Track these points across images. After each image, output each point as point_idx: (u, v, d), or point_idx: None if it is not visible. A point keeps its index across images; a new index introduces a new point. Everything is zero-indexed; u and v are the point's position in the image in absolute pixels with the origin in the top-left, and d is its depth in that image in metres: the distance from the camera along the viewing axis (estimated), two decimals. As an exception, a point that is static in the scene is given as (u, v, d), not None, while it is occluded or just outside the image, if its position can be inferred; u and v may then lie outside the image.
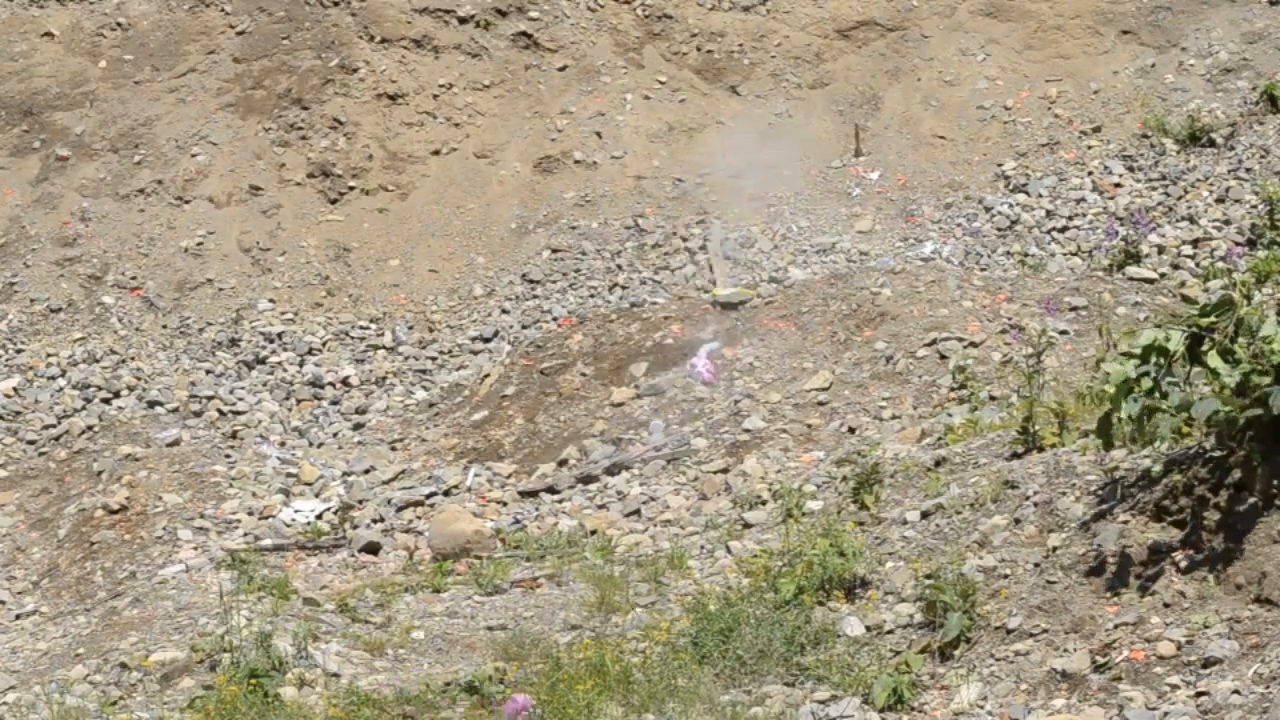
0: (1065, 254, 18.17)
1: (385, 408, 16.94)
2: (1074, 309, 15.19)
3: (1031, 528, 9.28)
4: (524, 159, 20.11)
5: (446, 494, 14.26)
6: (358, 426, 16.61)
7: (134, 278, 18.81)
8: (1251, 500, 8.21)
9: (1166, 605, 8.11)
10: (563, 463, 14.52)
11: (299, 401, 17.18)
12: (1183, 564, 8.25)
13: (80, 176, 19.80)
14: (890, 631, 9.14)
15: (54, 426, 16.62)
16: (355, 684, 9.74)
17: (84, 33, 21.11)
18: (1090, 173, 19.29)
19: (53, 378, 17.41)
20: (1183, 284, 16.61)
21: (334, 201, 19.69)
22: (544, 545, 12.46)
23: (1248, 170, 18.79)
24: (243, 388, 17.27)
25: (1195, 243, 17.87)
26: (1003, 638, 8.46)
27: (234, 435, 16.25)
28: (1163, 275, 17.25)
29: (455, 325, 18.26)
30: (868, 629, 9.22)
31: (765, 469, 13.33)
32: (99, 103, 20.48)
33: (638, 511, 13.17)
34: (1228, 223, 18.08)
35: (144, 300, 18.56)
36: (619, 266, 18.69)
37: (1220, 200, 18.45)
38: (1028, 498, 9.62)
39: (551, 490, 14.04)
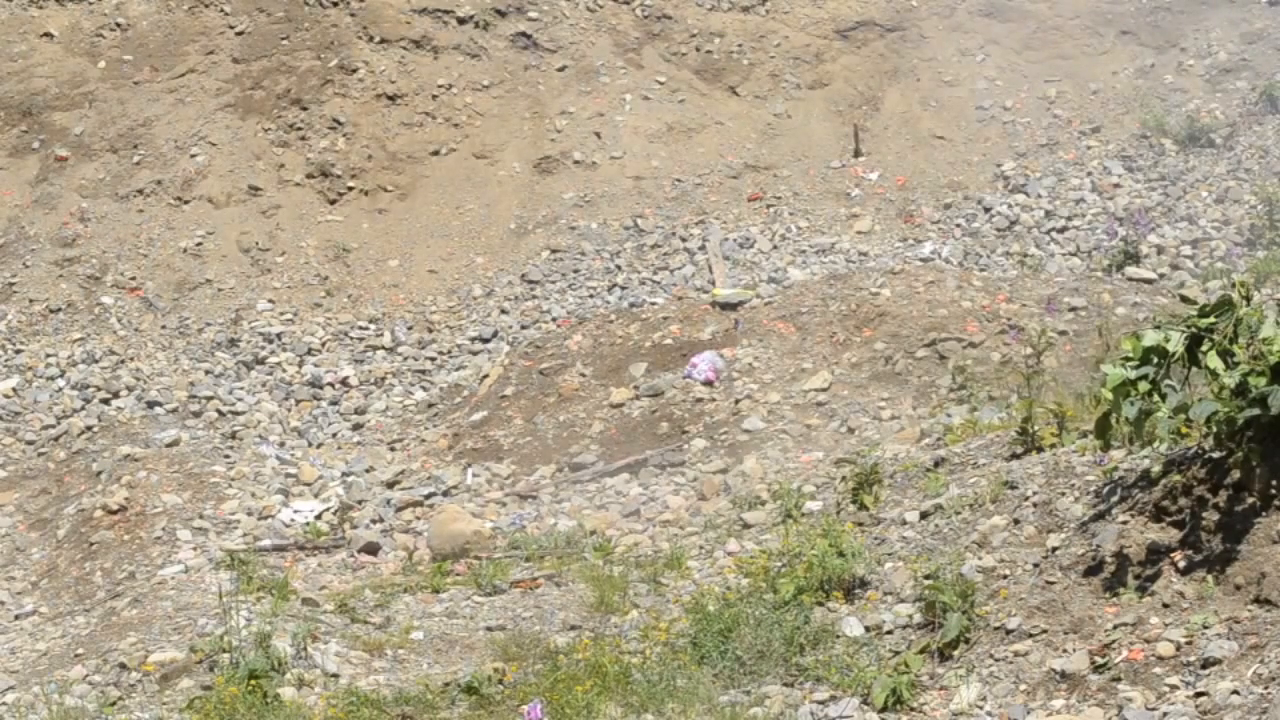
0: (1064, 254, 18.18)
1: (384, 408, 16.94)
2: (1073, 309, 15.20)
3: (1031, 528, 9.29)
4: (523, 159, 20.12)
5: (445, 494, 14.27)
6: (357, 427, 16.61)
7: (133, 278, 18.80)
8: (1250, 501, 8.21)
9: (1165, 606, 8.11)
10: (562, 464, 14.53)
11: (298, 402, 17.18)
12: (1182, 564, 8.25)
13: (80, 177, 19.80)
14: (889, 632, 9.13)
15: (53, 427, 16.61)
16: (354, 684, 9.74)
17: (83, 33, 21.11)
18: (1089, 173, 19.30)
19: (52, 378, 17.41)
20: (1182, 284, 16.62)
21: (333, 202, 19.69)
22: (543, 546, 12.45)
23: (1247, 170, 18.80)
24: (242, 388, 17.27)
25: (1194, 243, 17.88)
26: (1002, 638, 8.46)
27: (233, 435, 16.25)
28: (1162, 275, 17.27)
29: (454, 325, 18.26)
30: (867, 629, 9.21)
31: (765, 469, 13.33)
32: (98, 103, 20.49)
33: (637, 512, 13.18)
34: (1227, 223, 18.09)
35: (143, 300, 18.56)
36: (618, 267, 18.69)
37: (1219, 200, 18.46)
38: (1027, 498, 9.62)
39: (550, 491, 14.05)
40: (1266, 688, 7.33)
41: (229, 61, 20.82)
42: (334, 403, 17.14)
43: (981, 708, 8.08)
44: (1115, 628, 8.11)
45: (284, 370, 17.63)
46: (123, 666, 10.37)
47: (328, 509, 14.12)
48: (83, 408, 16.92)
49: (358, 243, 19.27)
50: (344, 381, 17.47)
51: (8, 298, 18.62)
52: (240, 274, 18.91)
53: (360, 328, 18.27)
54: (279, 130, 20.18)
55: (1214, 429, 8.37)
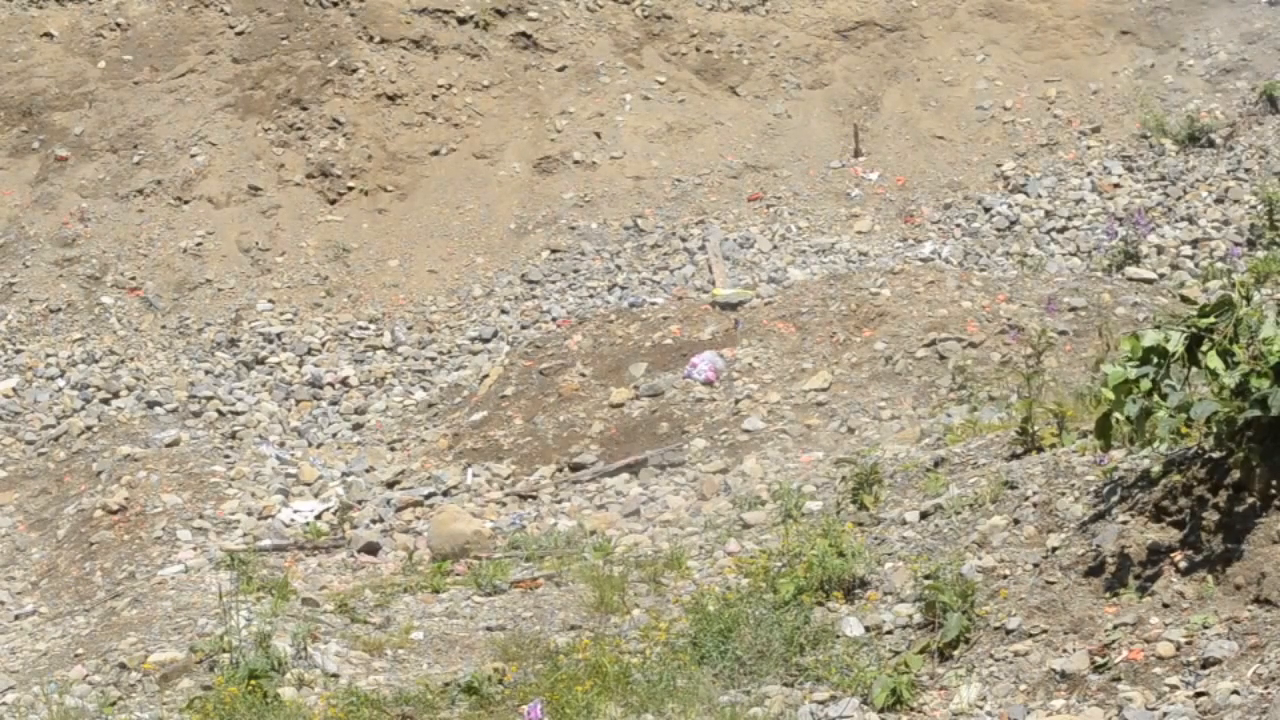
0: (1064, 254, 18.18)
1: (384, 408, 16.94)
2: (1073, 309, 15.20)
3: (1031, 528, 9.29)
4: (523, 159, 20.12)
5: (445, 494, 14.27)
6: (357, 427, 16.61)
7: (133, 278, 18.81)
8: (1250, 501, 8.21)
9: (1165, 606, 8.11)
10: (562, 464, 14.53)
11: (298, 402, 17.18)
12: (1182, 564, 8.25)
13: (79, 177, 19.80)
14: (889, 632, 9.14)
15: (53, 427, 16.61)
16: (354, 684, 9.75)
17: (83, 33, 21.11)
18: (1089, 173, 19.30)
19: (52, 378, 17.41)
20: (1182, 284, 16.63)
21: (333, 202, 19.69)
22: (543, 546, 12.46)
23: (1247, 171, 18.80)
24: (242, 388, 17.27)
25: (1194, 243, 17.89)
26: (1002, 638, 8.46)
27: (233, 435, 16.25)
28: (1162, 275, 17.27)
29: (454, 325, 18.26)
30: (867, 629, 9.22)
31: (764, 469, 13.33)
32: (98, 103, 20.49)
33: (637, 512, 13.18)
34: (1227, 223, 18.10)
35: (143, 300, 18.56)
36: (618, 267, 18.69)
37: (1219, 201, 18.46)
38: (1027, 498, 9.62)
39: (550, 491, 14.05)
40: (1266, 688, 7.33)
41: (229, 61, 20.82)
42: (334, 403, 17.14)
43: (981, 708, 8.08)
44: (1115, 628, 8.11)
45: (284, 370, 17.63)
46: (123, 666, 10.37)
47: (328, 509, 14.12)
48: (83, 408, 16.92)
49: (358, 243, 19.27)
50: (344, 381, 17.47)
51: (8, 298, 18.62)
52: (240, 274, 18.91)
53: (360, 328, 18.27)
54: (279, 130, 20.18)
55: (1214, 429, 8.38)
